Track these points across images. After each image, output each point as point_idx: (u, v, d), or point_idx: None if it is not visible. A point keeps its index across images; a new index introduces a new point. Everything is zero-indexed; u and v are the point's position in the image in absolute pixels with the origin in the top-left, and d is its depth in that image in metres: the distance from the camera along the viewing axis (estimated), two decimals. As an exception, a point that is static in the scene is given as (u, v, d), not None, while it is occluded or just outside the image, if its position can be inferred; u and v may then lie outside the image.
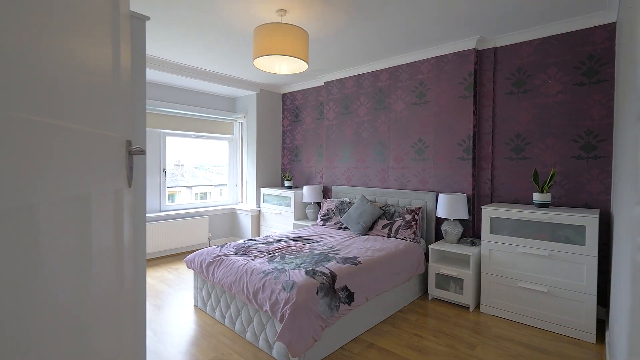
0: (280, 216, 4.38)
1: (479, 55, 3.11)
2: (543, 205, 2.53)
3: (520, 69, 2.91)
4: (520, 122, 2.92)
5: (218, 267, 2.49)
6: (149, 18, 1.28)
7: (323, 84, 4.34)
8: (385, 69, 3.67)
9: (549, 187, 2.58)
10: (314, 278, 2.09)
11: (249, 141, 4.92)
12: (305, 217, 4.33)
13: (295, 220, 4.19)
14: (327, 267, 2.25)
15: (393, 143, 3.60)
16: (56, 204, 0.71)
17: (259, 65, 2.61)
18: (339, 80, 4.10)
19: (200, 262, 2.64)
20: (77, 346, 0.81)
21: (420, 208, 3.16)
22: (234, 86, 4.47)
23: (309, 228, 3.63)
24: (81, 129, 0.83)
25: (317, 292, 2.00)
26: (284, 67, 2.71)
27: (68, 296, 0.76)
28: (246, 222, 4.78)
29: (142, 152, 1.16)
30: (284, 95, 5.05)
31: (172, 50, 3.43)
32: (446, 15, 2.59)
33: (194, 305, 2.80)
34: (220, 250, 2.70)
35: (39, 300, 0.62)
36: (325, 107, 4.28)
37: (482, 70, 3.10)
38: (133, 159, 1.16)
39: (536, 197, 2.56)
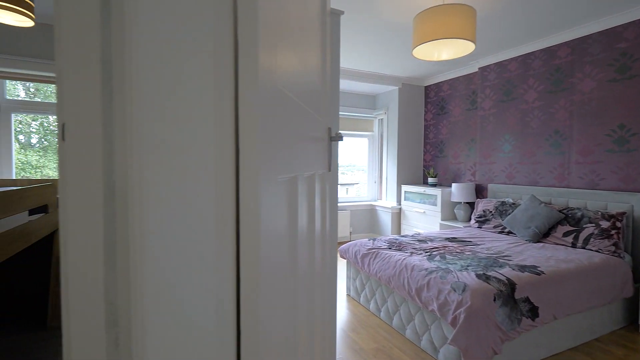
0: (424, 215, 4.17)
1: None
2: None
3: None
4: None
5: (374, 260, 2.50)
6: (343, 12, 1.34)
7: (477, 70, 3.91)
8: (564, 42, 3.02)
9: None
10: (488, 283, 1.85)
11: (389, 137, 4.86)
12: (453, 218, 3.99)
13: (442, 220, 3.90)
14: (501, 273, 1.97)
15: (577, 132, 2.93)
16: (304, 178, 0.81)
17: (418, 54, 2.50)
18: (498, 64, 3.61)
19: (355, 253, 2.72)
20: (310, 306, 0.89)
21: (624, 213, 2.46)
22: (375, 82, 4.48)
23: (462, 229, 3.31)
24: (313, 113, 0.91)
25: (494, 299, 1.76)
26: (444, 53, 2.52)
27: (305, 250, 0.85)
28: (386, 219, 4.74)
29: (341, 138, 1.21)
30: (427, 87, 4.79)
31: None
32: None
33: (347, 294, 2.90)
34: (373, 243, 2.72)
35: (298, 249, 0.71)
36: (479, 96, 3.84)
37: None
38: (332, 145, 1.23)
39: None
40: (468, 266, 2.10)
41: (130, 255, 0.41)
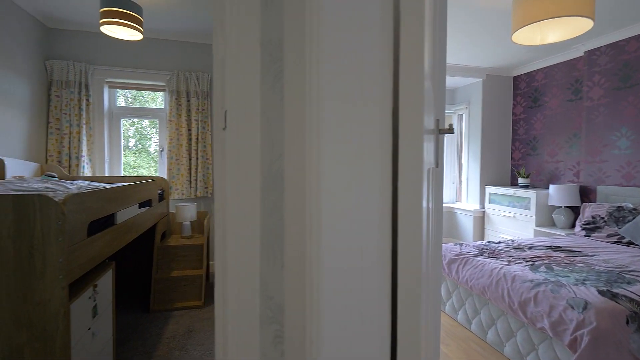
0: (514, 220, 3.75)
1: None
2: None
3: None
4: None
5: (463, 267, 2.30)
6: (450, -7, 1.23)
7: (582, 54, 3.39)
8: None
9: None
10: (617, 302, 1.55)
11: (470, 134, 4.49)
12: (551, 224, 3.51)
13: (537, 226, 3.46)
14: (632, 291, 1.65)
15: None
16: (427, 172, 0.74)
17: (518, 39, 2.23)
18: (612, 45, 3.08)
19: (440, 258, 2.53)
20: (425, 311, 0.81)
21: None
22: (457, 75, 4.17)
23: (564, 237, 2.90)
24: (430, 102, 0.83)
25: (627, 322, 1.48)
26: (550, 35, 2.22)
27: (425, 245, 0.78)
28: (467, 223, 4.39)
29: (452, 130, 1.09)
30: (515, 78, 4.32)
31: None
32: None
33: (429, 301, 2.73)
34: (460, 249, 2.51)
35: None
36: (585, 84, 3.32)
37: None
38: (439, 139, 1.13)
39: None
40: (585, 280, 1.80)
41: (307, 250, 0.38)
